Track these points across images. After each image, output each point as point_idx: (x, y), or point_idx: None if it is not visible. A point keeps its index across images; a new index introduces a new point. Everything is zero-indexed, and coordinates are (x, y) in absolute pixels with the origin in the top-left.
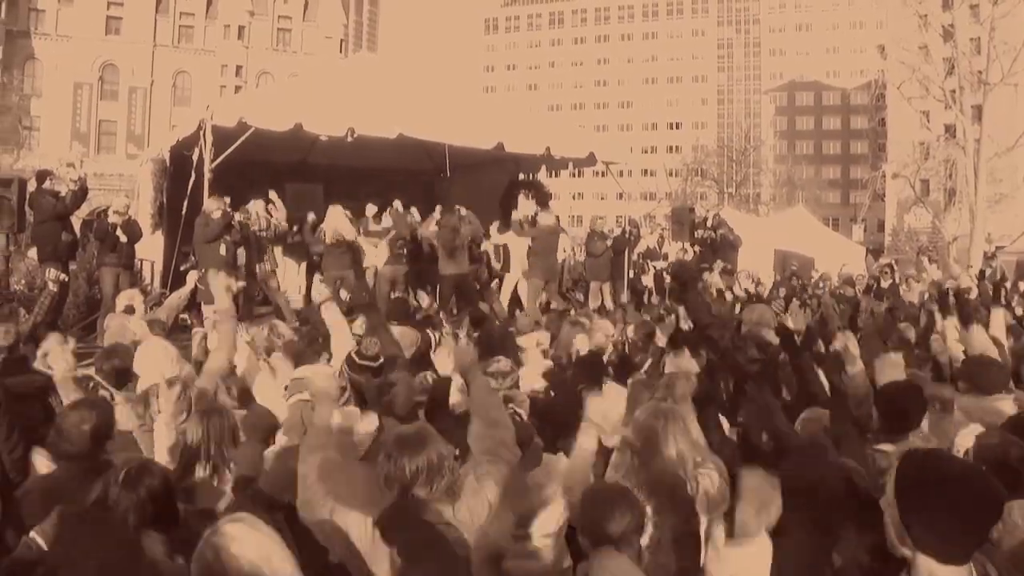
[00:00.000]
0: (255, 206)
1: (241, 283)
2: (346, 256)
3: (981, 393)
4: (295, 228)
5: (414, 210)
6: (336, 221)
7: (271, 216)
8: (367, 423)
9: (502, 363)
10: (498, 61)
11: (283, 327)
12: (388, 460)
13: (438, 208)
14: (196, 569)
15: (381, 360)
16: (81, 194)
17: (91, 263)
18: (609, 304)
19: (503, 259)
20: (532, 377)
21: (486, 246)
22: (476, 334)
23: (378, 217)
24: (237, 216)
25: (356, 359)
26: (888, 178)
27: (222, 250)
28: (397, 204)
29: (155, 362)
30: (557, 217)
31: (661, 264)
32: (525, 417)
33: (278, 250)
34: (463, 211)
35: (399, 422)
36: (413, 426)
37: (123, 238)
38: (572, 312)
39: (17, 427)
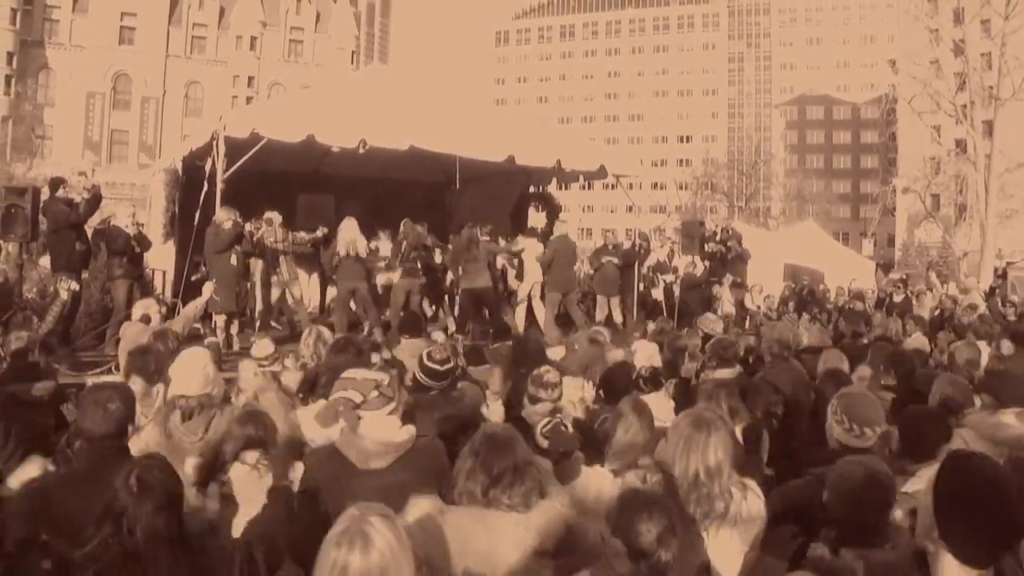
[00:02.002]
0: (273, 219)
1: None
2: (359, 267)
3: (1002, 407)
4: (311, 242)
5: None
6: (350, 233)
7: (288, 229)
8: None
9: (551, 374)
10: (509, 73)
11: (328, 333)
12: (475, 457)
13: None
14: (331, 553)
15: (450, 365)
16: (94, 203)
17: (103, 272)
18: (618, 318)
19: (518, 269)
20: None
21: (502, 260)
22: (509, 345)
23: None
24: (248, 227)
25: (427, 363)
26: (898, 193)
27: (232, 260)
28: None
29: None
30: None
31: (670, 278)
32: (570, 429)
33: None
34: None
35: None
36: (503, 427)
37: (137, 248)
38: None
39: (15, 434)
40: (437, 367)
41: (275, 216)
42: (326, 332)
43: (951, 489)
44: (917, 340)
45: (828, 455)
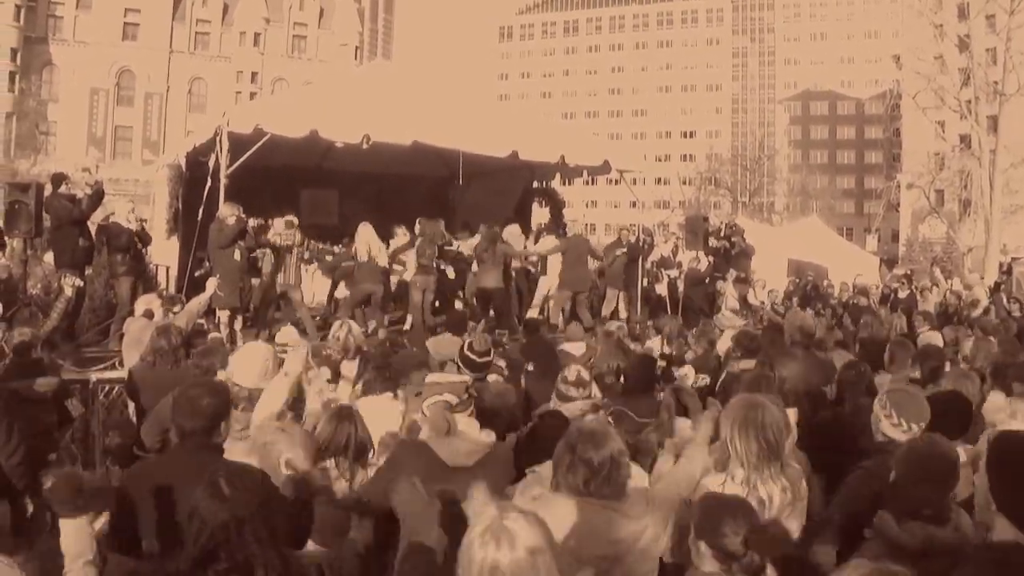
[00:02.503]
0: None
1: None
2: (376, 271)
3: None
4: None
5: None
6: (368, 236)
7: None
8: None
9: (583, 372)
10: (512, 69)
11: (356, 328)
12: (571, 452)
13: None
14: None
15: (488, 358)
16: (97, 198)
17: (106, 269)
18: (623, 312)
19: (540, 267)
20: None
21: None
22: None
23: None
24: (251, 222)
25: (467, 352)
26: (903, 188)
27: (236, 256)
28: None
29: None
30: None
31: (674, 273)
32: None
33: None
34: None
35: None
36: (596, 421)
37: (139, 245)
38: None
39: (18, 431)
40: (476, 358)
41: (294, 219)
42: (356, 327)
43: (1001, 467)
44: (930, 336)
45: (876, 446)
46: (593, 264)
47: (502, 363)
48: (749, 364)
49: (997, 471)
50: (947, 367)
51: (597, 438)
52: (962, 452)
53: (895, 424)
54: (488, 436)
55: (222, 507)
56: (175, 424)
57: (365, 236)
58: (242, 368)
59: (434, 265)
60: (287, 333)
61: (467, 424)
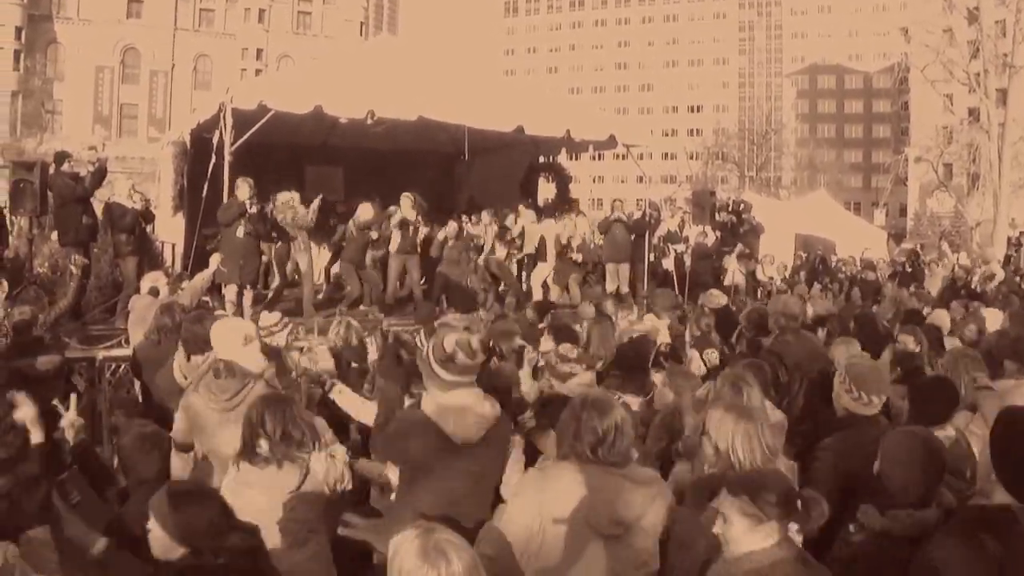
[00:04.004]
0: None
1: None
2: (363, 246)
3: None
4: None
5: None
6: (361, 213)
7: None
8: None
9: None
10: (518, 44)
11: (357, 324)
12: (576, 420)
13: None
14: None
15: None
16: (100, 176)
17: (111, 247)
18: (625, 288)
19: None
20: None
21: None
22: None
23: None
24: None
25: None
26: (910, 162)
27: (239, 232)
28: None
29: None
30: (577, 200)
31: (681, 248)
32: None
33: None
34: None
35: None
36: (600, 391)
37: (144, 224)
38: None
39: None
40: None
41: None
42: (355, 323)
43: (1004, 439)
44: (938, 317)
45: (837, 423)
46: (596, 239)
47: None
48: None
49: (1001, 444)
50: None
51: (602, 405)
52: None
53: (855, 398)
54: (493, 407)
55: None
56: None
57: (360, 213)
58: (220, 341)
59: (416, 243)
60: (266, 318)
61: (471, 396)
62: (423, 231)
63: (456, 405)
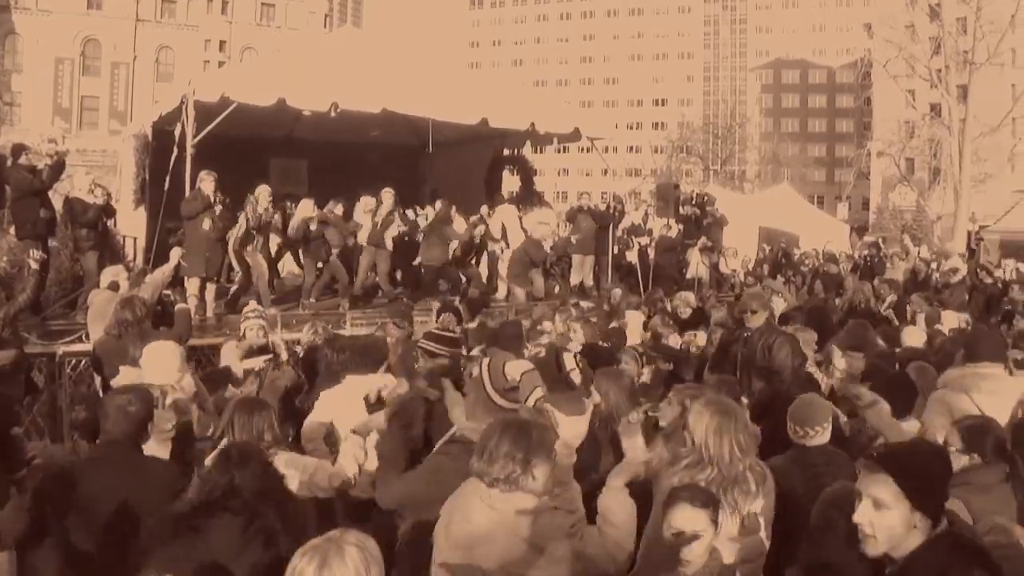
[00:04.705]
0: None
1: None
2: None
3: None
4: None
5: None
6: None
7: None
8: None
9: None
10: (483, 37)
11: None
12: None
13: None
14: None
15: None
16: (58, 168)
17: (71, 242)
18: (589, 281)
19: (502, 235)
20: None
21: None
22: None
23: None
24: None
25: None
26: (873, 156)
27: (205, 225)
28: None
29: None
30: (542, 193)
31: (645, 240)
32: None
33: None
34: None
35: None
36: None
37: (106, 219)
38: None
39: None
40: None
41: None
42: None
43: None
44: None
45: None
46: (565, 232)
47: None
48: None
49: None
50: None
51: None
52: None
53: (797, 435)
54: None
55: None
56: (103, 429)
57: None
58: (152, 367)
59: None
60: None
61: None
62: (398, 225)
63: None
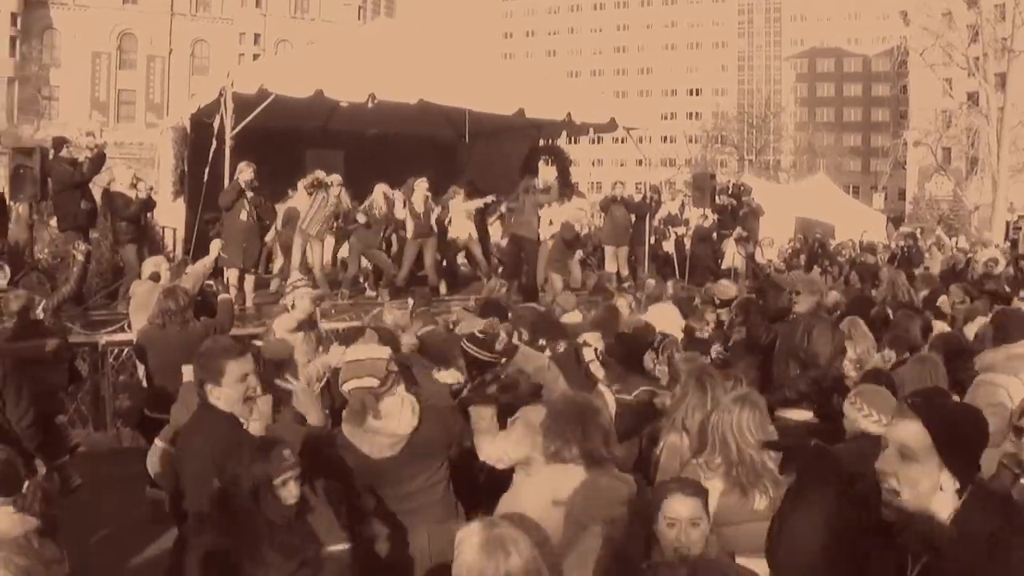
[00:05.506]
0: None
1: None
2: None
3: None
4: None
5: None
6: (375, 196)
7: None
8: None
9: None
10: (517, 27)
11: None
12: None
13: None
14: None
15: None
16: (98, 161)
17: (111, 234)
18: (624, 271)
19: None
20: None
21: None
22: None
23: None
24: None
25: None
26: (909, 146)
27: (242, 216)
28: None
29: None
30: (576, 184)
31: (682, 230)
32: None
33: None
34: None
35: None
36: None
37: (147, 213)
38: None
39: (27, 394)
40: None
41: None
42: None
43: None
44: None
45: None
46: (599, 222)
47: None
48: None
49: None
50: None
51: None
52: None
53: (865, 414)
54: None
55: None
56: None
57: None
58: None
59: (432, 226)
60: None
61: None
62: (435, 213)
63: None
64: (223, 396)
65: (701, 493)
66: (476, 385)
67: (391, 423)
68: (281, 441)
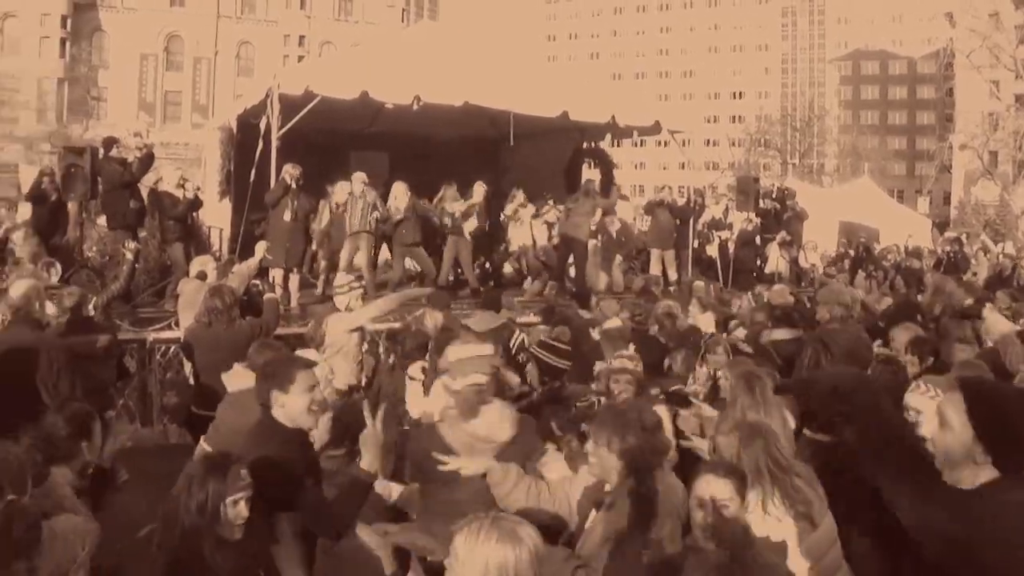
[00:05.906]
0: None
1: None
2: (417, 229)
3: None
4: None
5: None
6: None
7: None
8: None
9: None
10: (560, 30)
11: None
12: None
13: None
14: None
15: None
16: (147, 161)
17: (158, 233)
18: (672, 274)
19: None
20: None
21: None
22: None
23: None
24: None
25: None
26: (955, 149)
27: (286, 216)
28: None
29: None
30: (619, 186)
31: (726, 234)
32: None
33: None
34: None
35: None
36: None
37: (194, 212)
38: None
39: (80, 389)
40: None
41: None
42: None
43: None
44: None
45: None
46: (644, 226)
47: None
48: (782, 334)
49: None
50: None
51: None
52: None
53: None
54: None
55: None
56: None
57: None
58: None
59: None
60: (340, 278)
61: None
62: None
63: None
64: (288, 404)
65: (734, 476)
66: (547, 392)
67: (493, 429)
68: (240, 460)
